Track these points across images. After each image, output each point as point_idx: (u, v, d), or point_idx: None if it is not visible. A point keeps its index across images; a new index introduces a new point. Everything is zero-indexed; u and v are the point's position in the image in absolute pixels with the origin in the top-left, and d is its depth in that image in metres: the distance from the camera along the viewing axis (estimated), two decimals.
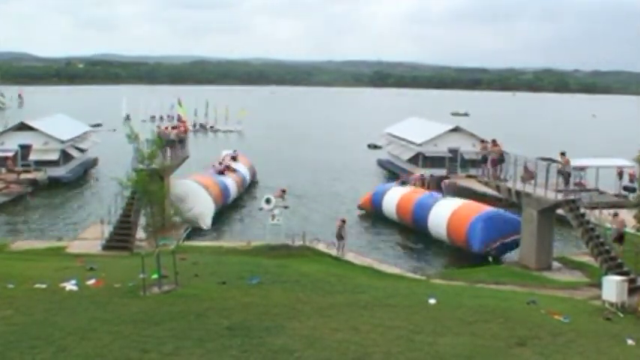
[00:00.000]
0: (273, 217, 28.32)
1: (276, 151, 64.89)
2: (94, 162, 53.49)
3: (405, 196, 34.96)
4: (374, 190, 38.70)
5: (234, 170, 41.22)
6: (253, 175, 45.80)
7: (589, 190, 26.57)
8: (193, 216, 31.11)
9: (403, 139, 53.90)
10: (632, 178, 38.88)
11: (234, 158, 44.30)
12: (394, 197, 35.52)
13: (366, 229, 35.20)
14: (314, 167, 55.51)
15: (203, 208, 32.57)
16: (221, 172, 39.50)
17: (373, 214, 37.25)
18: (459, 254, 29.98)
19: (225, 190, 37.17)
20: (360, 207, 38.86)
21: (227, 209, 37.82)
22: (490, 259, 27.95)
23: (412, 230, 33.74)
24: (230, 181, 38.78)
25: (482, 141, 32.43)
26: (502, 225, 28.73)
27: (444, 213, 31.03)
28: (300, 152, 65.24)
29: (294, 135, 79.79)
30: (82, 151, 50.27)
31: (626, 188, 39.47)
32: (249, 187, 43.93)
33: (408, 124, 58.97)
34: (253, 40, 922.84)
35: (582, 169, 27.07)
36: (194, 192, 32.53)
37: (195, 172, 38.48)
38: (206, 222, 32.84)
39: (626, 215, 29.15)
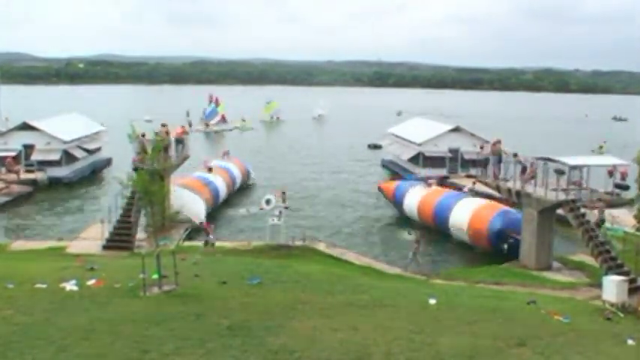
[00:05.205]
0: (279, 215, 28.17)
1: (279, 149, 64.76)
2: (107, 162, 53.12)
3: (427, 196, 34.88)
4: (397, 184, 38.74)
5: (220, 170, 41.00)
6: (247, 176, 45.32)
7: (584, 189, 26.55)
8: (186, 217, 31.36)
9: (404, 139, 53.89)
10: (623, 176, 38.96)
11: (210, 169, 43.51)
12: (416, 196, 35.46)
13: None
14: (315, 167, 55.51)
15: (193, 207, 32.61)
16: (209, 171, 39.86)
17: (396, 215, 37.32)
18: (465, 255, 29.95)
19: (214, 189, 37.15)
20: (380, 189, 39.15)
21: (226, 209, 37.78)
22: (505, 246, 27.91)
23: (432, 230, 33.58)
24: (219, 180, 38.72)
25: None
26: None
27: (468, 207, 31.28)
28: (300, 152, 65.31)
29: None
30: (89, 151, 49.74)
31: (618, 186, 39.45)
32: (246, 189, 43.99)
33: (411, 125, 58.80)
34: (253, 40, 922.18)
35: (580, 168, 27.00)
36: (181, 195, 32.55)
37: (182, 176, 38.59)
38: (200, 217, 32.78)
39: (626, 215, 29.20)
